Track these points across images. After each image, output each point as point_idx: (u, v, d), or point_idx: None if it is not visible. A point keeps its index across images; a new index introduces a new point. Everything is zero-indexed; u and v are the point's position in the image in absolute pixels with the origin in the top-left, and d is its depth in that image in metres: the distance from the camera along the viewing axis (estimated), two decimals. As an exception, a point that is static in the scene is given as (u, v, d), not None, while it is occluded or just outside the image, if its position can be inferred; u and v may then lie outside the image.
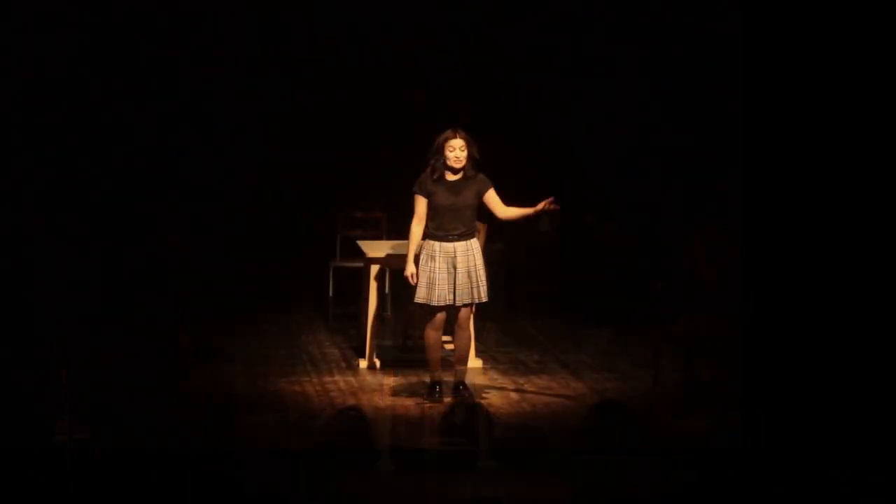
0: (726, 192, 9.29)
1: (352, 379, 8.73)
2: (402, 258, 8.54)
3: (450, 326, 8.21)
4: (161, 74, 10.71)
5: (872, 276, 4.71)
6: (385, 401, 8.18)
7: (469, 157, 7.96)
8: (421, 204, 8.02)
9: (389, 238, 10.14)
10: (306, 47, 11.08)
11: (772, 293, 4.77)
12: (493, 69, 11.21)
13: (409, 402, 8.14)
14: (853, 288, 4.73)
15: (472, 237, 8.05)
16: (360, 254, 9.38)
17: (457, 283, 7.97)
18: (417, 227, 8.05)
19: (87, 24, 10.27)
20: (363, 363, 9.03)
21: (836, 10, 4.74)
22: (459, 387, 8.12)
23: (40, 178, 10.00)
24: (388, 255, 9.02)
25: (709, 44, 10.44)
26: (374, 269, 9.04)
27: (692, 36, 10.73)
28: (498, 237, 9.89)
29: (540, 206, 7.91)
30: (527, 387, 8.57)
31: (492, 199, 8.04)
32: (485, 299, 8.09)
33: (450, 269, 7.97)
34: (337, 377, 8.78)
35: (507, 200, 8.06)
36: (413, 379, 8.66)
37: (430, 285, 7.98)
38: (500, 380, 8.77)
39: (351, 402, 8.06)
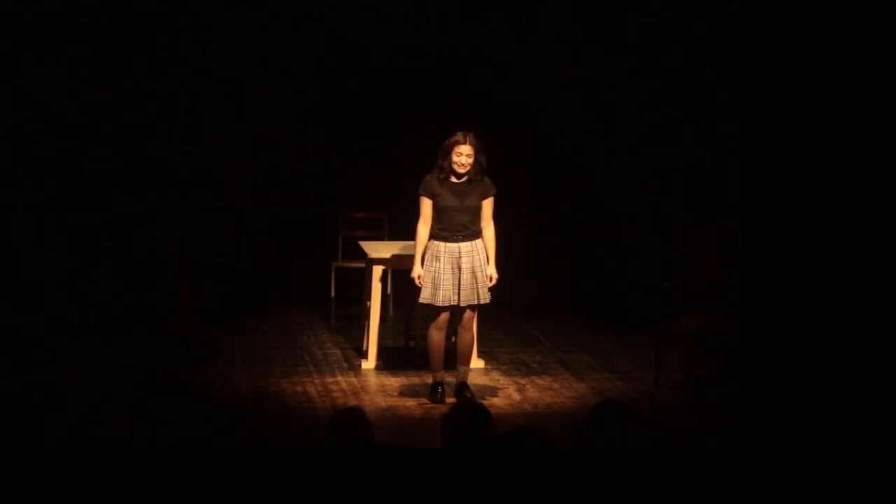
0: (728, 190, 9.30)
1: (354, 379, 8.73)
2: (405, 259, 8.55)
3: (453, 327, 8.22)
4: (161, 74, 10.70)
5: (874, 276, 4.69)
6: (387, 401, 8.18)
7: (476, 163, 7.97)
8: (426, 205, 8.03)
9: (392, 238, 10.13)
10: (308, 46, 11.07)
11: (773, 292, 4.75)
12: (494, 69, 11.21)
13: (412, 403, 8.14)
14: (854, 288, 4.70)
15: (478, 237, 8.05)
16: (362, 254, 9.38)
17: (461, 283, 7.97)
18: (424, 228, 8.05)
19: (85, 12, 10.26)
20: (365, 364, 9.03)
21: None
22: (462, 387, 8.12)
23: (40, 177, 10.00)
24: (391, 256, 9.01)
25: (708, 44, 10.44)
26: (377, 269, 9.03)
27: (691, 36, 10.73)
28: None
29: (490, 272, 8.00)
30: (528, 387, 8.56)
31: (484, 206, 8.04)
32: (488, 300, 8.09)
33: (454, 269, 7.97)
34: (339, 378, 8.77)
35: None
36: (415, 379, 8.66)
37: (435, 285, 7.98)
38: (502, 380, 8.76)
39: (353, 402, 8.05)
